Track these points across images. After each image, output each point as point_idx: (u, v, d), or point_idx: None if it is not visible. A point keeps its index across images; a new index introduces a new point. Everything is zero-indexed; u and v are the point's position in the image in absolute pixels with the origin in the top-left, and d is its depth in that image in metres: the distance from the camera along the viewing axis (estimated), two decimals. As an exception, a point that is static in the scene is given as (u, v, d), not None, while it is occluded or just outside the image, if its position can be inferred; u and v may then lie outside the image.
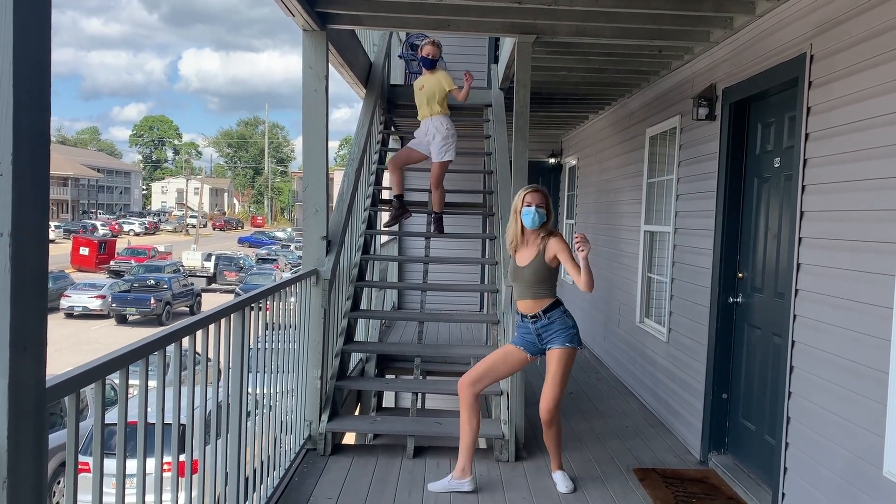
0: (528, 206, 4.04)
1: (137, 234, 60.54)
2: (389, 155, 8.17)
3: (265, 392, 3.85)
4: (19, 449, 1.60)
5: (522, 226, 4.09)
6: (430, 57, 6.16)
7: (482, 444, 5.72)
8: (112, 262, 38.19)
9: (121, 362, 2.16)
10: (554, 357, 4.06)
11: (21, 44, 1.51)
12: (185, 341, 2.74)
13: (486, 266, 7.57)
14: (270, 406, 3.96)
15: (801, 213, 3.72)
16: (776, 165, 4.30)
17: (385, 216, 7.32)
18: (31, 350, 1.61)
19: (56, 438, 7.41)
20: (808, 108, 3.69)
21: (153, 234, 64.18)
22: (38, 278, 1.62)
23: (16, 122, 1.50)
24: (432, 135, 6.24)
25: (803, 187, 3.72)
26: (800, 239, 3.73)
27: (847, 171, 3.34)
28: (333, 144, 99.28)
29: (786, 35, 4.00)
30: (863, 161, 3.21)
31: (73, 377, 1.89)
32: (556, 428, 4.21)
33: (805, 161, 3.71)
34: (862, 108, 3.23)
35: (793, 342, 3.77)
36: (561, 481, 4.31)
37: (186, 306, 27.92)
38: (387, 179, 7.71)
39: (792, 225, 3.83)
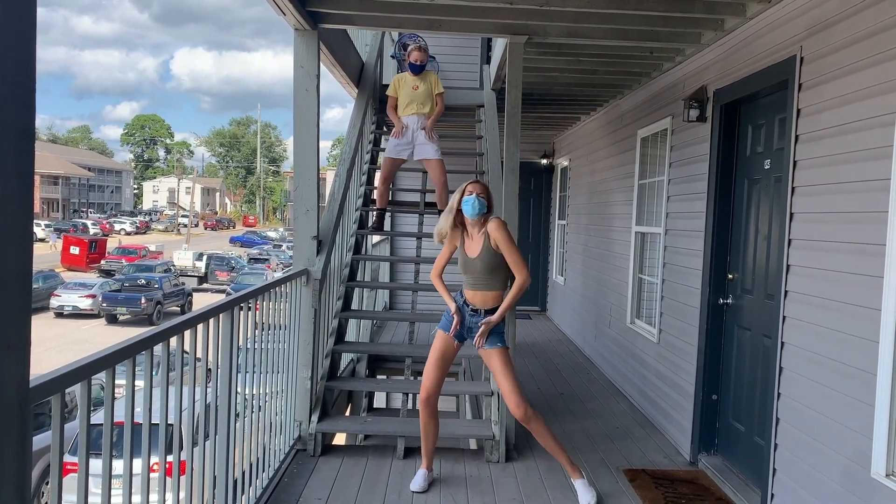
0: (469, 194, 4.02)
1: (128, 234, 60.25)
2: (381, 155, 8.17)
3: (255, 392, 3.83)
4: (2, 449, 1.59)
5: (464, 216, 4.08)
6: (419, 63, 6.38)
7: (472, 444, 5.72)
8: (103, 262, 37.97)
9: (107, 362, 2.14)
10: (496, 357, 4.08)
11: (3, 36, 1.49)
12: (174, 341, 2.72)
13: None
14: (260, 406, 3.94)
15: (791, 214, 3.74)
16: (766, 167, 4.32)
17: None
18: (15, 349, 1.60)
19: (44, 439, 7.36)
20: (798, 110, 3.71)
21: (144, 233, 63.88)
22: (23, 277, 1.60)
23: (-1, 117, 1.49)
24: (416, 131, 6.35)
25: (793, 189, 3.73)
26: (789, 240, 3.74)
27: (836, 173, 3.35)
28: (325, 144, 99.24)
29: (776, 37, 4.01)
30: (852, 163, 3.23)
31: (57, 377, 1.87)
32: (538, 422, 4.06)
33: (795, 163, 3.72)
34: (851, 111, 3.24)
35: (782, 343, 3.79)
36: (583, 492, 4.08)
37: (177, 306, 27.79)
38: (378, 180, 7.69)
39: (782, 226, 3.84)
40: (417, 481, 4.24)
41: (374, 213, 6.76)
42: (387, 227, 8.81)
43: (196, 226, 68.49)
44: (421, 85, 6.36)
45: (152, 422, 2.50)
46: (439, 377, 4.21)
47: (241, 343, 3.44)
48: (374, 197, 6.94)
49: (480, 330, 4.05)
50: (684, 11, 4.46)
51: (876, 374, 2.94)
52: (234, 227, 78.74)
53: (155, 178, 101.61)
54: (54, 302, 26.03)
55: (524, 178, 10.46)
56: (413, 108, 6.35)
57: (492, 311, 4.09)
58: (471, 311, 4.12)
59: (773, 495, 3.83)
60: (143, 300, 25.57)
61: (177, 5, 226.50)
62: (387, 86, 8.34)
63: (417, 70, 6.37)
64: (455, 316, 4.11)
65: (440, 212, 6.51)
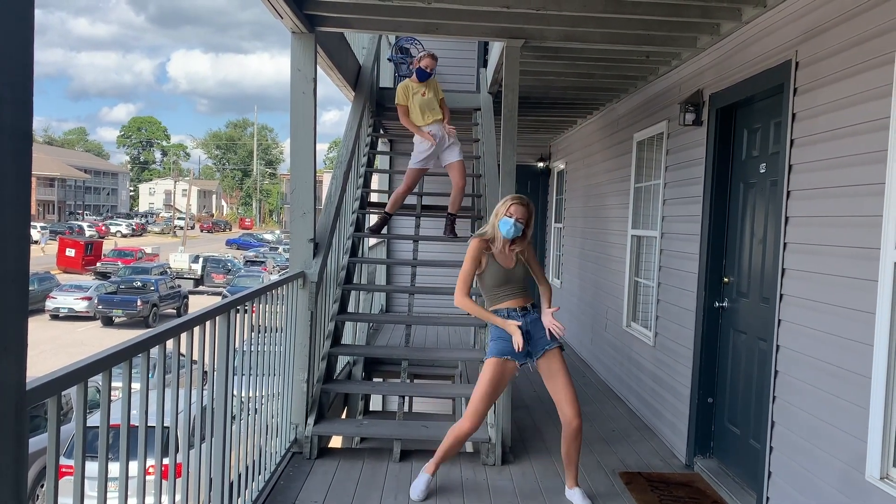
0: (510, 216, 3.99)
1: (124, 236, 60.15)
2: (378, 158, 8.19)
3: (251, 395, 3.83)
4: (-1, 451, 1.59)
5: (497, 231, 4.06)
6: (428, 70, 6.32)
7: (468, 447, 5.72)
8: (98, 264, 37.87)
9: (103, 364, 2.14)
10: (557, 357, 4.02)
11: (2, 38, 1.49)
12: (170, 344, 2.72)
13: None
14: (256, 409, 3.94)
15: (786, 218, 3.75)
16: (762, 171, 4.33)
17: (373, 219, 7.34)
18: (12, 351, 1.60)
19: (39, 442, 7.33)
20: (794, 115, 3.72)
21: (140, 235, 63.80)
22: (20, 279, 1.60)
23: (-3, 118, 1.49)
24: (443, 138, 6.40)
25: (788, 193, 3.75)
26: (785, 244, 3.76)
27: (831, 176, 3.36)
28: (322, 147, 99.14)
29: (772, 42, 4.03)
30: (847, 167, 3.24)
31: (54, 379, 1.87)
32: (581, 433, 4.07)
33: (790, 167, 3.74)
34: (846, 115, 3.25)
35: (777, 347, 3.80)
36: (580, 500, 4.12)
37: (173, 308, 27.74)
38: (375, 183, 7.70)
39: (777, 230, 3.85)
40: (419, 488, 4.14)
41: (379, 216, 6.74)
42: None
43: (192, 228, 68.32)
44: (427, 91, 6.36)
45: (148, 424, 2.50)
46: (486, 411, 4.05)
47: (237, 346, 3.44)
48: (377, 199, 6.93)
49: (553, 312, 4.08)
50: (680, 16, 4.48)
51: (870, 378, 2.96)
52: (230, 230, 78.69)
53: (151, 180, 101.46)
54: (49, 304, 25.96)
55: (520, 182, 10.43)
56: (430, 117, 6.35)
57: (535, 305, 4.13)
58: (521, 312, 4.04)
59: (768, 498, 3.84)
60: (139, 302, 25.51)
61: (173, 7, 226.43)
62: (384, 88, 8.42)
63: (426, 77, 6.33)
64: (516, 331, 3.94)
65: (449, 215, 6.53)
